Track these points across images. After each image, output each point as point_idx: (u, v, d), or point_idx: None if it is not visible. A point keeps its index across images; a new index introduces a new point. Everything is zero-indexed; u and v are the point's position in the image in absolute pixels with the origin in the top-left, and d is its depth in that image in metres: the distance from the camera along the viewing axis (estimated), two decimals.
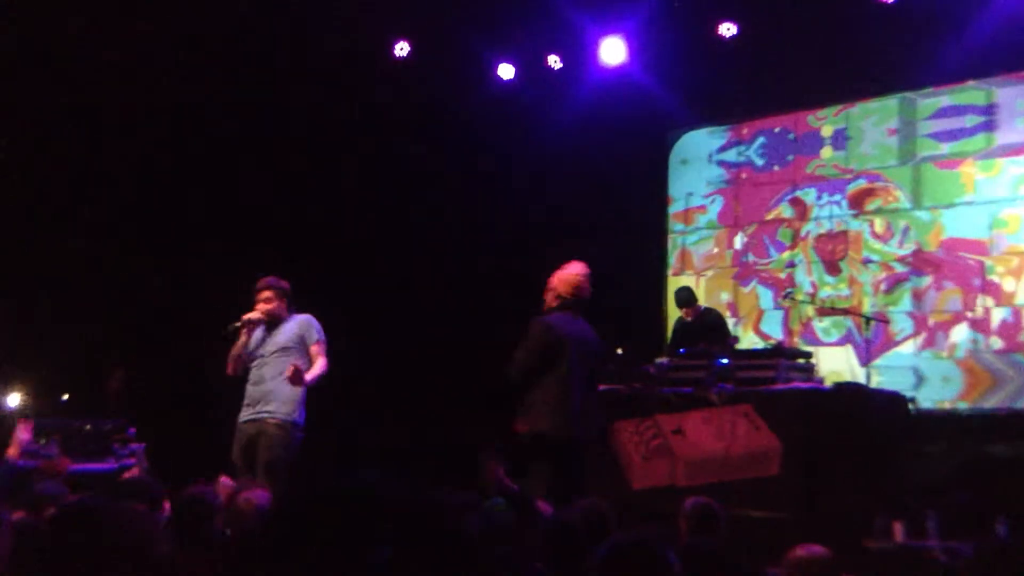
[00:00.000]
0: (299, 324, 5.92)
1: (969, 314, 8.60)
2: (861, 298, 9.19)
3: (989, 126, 8.71)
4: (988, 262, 8.60)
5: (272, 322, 5.94)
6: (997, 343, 8.47)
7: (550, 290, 5.66)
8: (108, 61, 8.87)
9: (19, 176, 8.83)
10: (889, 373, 8.68)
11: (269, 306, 5.90)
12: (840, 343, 9.17)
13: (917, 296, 8.90)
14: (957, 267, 8.73)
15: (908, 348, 8.86)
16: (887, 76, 9.03)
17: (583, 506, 3.63)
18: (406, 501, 1.12)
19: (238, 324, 5.89)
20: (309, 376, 5.66)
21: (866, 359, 8.35)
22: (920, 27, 8.48)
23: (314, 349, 5.87)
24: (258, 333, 5.98)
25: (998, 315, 8.48)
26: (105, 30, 8.66)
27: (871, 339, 8.48)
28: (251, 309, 5.95)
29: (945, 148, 8.91)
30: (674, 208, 10.54)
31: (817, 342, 9.09)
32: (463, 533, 1.13)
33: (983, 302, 8.55)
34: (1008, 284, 8.49)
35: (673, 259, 10.47)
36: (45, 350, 8.50)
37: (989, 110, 8.72)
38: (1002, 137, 8.63)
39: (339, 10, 9.08)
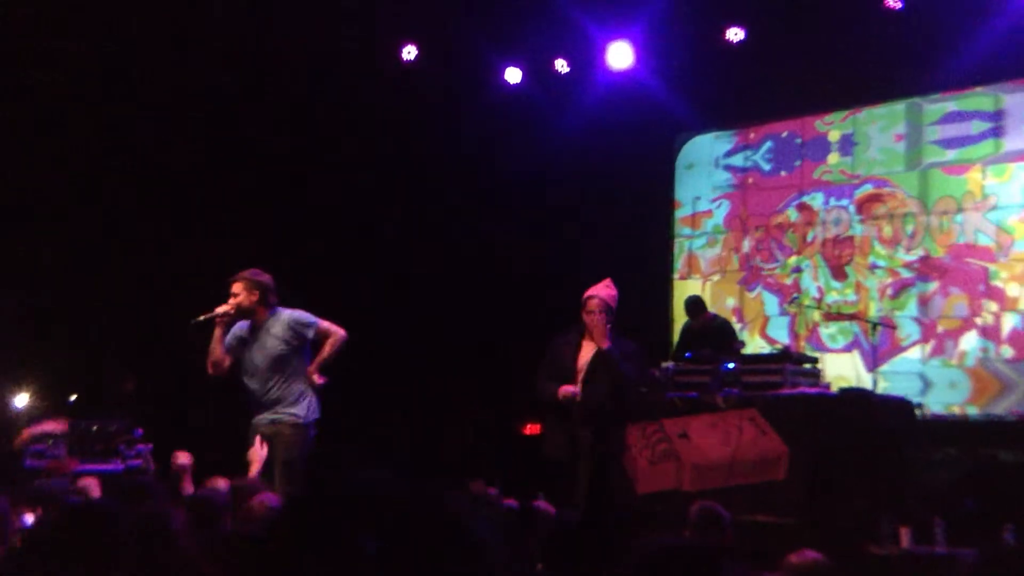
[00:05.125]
0: (284, 327, 5.59)
1: (977, 320, 8.58)
2: (867, 303, 9.16)
3: (997, 132, 8.69)
4: (992, 267, 8.58)
5: (253, 322, 5.63)
6: (1008, 351, 8.46)
7: (612, 311, 6.11)
8: (111, 68, 8.90)
9: (25, 177, 8.86)
10: (895, 379, 8.65)
11: (237, 299, 5.55)
12: (847, 349, 9.15)
13: (923, 301, 8.88)
14: (962, 272, 8.71)
15: (915, 354, 8.83)
16: (894, 81, 9.02)
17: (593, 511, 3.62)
18: (413, 502, 1.12)
19: (203, 318, 5.54)
20: (318, 371, 5.62)
21: (872, 365, 8.31)
22: (928, 32, 8.47)
23: (322, 331, 5.62)
24: (241, 334, 5.69)
25: (1008, 322, 8.47)
26: (103, 29, 8.68)
27: (877, 344, 8.43)
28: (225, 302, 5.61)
29: (952, 154, 8.90)
30: (681, 212, 10.53)
31: (824, 348, 9.07)
32: (469, 535, 1.13)
33: (988, 307, 8.53)
34: (1012, 290, 8.47)
35: (680, 263, 10.46)
36: (52, 351, 8.52)
37: (997, 116, 8.70)
38: (1011, 143, 8.62)
39: (346, 13, 9.09)
